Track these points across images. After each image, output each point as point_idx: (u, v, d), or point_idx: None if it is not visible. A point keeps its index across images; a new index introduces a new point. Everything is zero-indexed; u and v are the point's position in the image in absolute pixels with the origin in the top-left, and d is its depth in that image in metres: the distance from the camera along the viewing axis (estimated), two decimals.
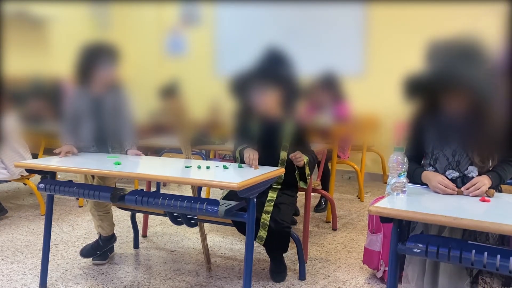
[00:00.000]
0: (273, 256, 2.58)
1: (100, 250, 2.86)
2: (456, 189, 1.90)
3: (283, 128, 2.57)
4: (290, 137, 2.57)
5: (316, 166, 3.91)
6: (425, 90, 1.91)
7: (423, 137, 2.05)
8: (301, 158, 2.53)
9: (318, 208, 4.00)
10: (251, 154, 2.37)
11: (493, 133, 1.90)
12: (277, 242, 2.44)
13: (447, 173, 2.00)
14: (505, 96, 1.84)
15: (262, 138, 2.55)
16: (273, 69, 2.43)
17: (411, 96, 1.96)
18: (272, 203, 2.49)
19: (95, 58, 2.52)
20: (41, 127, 3.32)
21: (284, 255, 2.62)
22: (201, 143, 3.22)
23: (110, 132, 2.66)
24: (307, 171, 2.58)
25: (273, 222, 2.42)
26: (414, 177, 2.02)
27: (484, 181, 1.87)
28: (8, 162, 3.61)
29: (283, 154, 2.55)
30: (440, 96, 1.91)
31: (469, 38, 1.80)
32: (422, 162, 2.10)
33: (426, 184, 2.03)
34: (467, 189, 1.88)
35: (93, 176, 2.70)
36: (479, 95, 1.83)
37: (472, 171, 1.97)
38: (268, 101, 2.50)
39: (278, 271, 2.58)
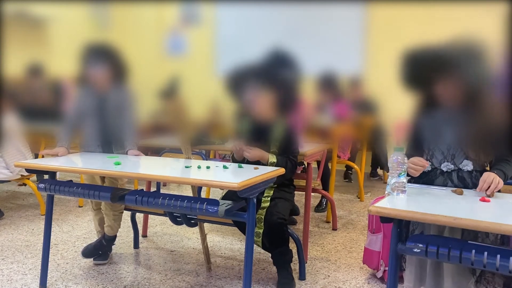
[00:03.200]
0: (279, 267, 2.53)
1: (103, 250, 2.86)
2: (427, 162, 1.95)
3: (273, 132, 2.55)
4: (279, 142, 2.54)
5: (317, 166, 3.91)
6: (424, 67, 1.92)
7: (421, 135, 2.06)
8: (247, 151, 2.40)
9: (319, 208, 4.01)
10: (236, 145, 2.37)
11: (487, 128, 1.91)
12: (272, 235, 2.42)
13: (442, 165, 2.03)
14: (500, 93, 1.86)
15: (252, 140, 2.54)
16: (271, 71, 2.41)
17: (410, 78, 1.97)
18: (269, 198, 2.49)
19: (87, 58, 2.54)
20: (41, 127, 3.33)
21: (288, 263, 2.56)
22: (201, 143, 3.22)
23: (113, 132, 2.67)
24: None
25: (268, 215, 2.41)
26: None
27: (493, 175, 1.87)
28: (10, 161, 3.62)
29: (272, 158, 2.52)
30: (436, 80, 1.92)
31: (468, 39, 1.82)
32: None
33: (425, 183, 2.03)
34: (482, 189, 1.87)
35: (102, 178, 2.71)
36: (473, 83, 1.85)
37: (467, 164, 2.00)
38: (261, 103, 2.49)
39: (284, 281, 2.50)
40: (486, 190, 1.84)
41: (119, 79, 2.61)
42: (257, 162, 2.48)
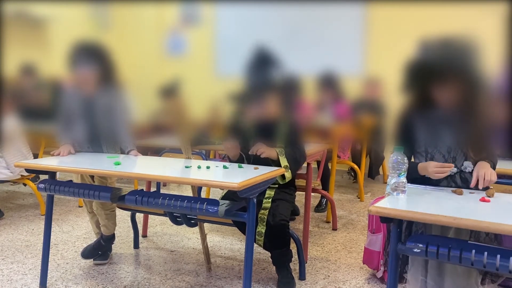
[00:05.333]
0: (279, 266, 2.54)
1: (102, 250, 2.86)
2: (452, 164, 1.95)
3: (278, 129, 2.55)
4: (285, 138, 2.55)
5: (317, 166, 3.91)
6: (420, 75, 1.93)
7: (414, 135, 2.06)
8: (262, 150, 2.44)
9: (319, 208, 4.00)
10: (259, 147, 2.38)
11: (485, 127, 1.92)
12: (274, 237, 2.42)
13: None
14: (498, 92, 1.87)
15: (258, 139, 2.54)
16: (268, 75, 2.43)
17: (407, 85, 1.97)
18: (270, 200, 2.49)
19: (75, 57, 2.51)
20: (41, 127, 3.33)
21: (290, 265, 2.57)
22: (201, 143, 3.22)
23: (103, 133, 2.66)
24: (284, 162, 2.49)
25: (271, 217, 2.41)
26: (410, 172, 2.02)
27: (486, 166, 1.91)
28: (11, 161, 3.62)
29: (283, 162, 2.52)
30: (433, 86, 1.92)
31: (465, 35, 1.82)
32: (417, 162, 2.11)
33: (425, 183, 2.03)
34: (477, 185, 1.91)
35: (91, 177, 2.70)
36: (471, 85, 1.86)
37: (468, 165, 2.01)
38: (268, 106, 2.50)
39: (284, 281, 2.51)
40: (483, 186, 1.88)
41: (108, 80, 2.58)
42: (262, 164, 2.48)
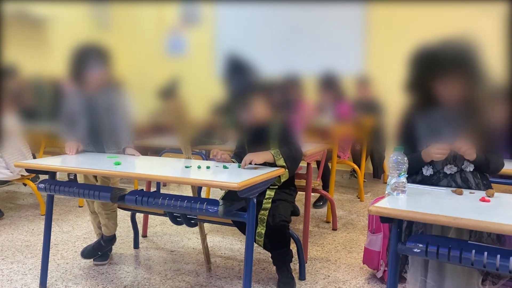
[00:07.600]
0: (279, 266, 2.54)
1: (102, 251, 2.85)
2: (449, 146, 1.96)
3: (270, 131, 2.54)
4: (278, 139, 2.53)
5: (316, 166, 3.91)
6: (425, 67, 1.93)
7: (415, 135, 2.06)
8: (252, 159, 2.33)
9: (317, 203, 4.01)
10: (247, 159, 2.36)
11: (488, 125, 1.92)
12: (274, 237, 2.42)
13: (445, 168, 2.03)
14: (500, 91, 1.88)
15: (251, 144, 2.54)
16: (245, 81, 2.43)
17: (411, 81, 1.98)
18: (270, 200, 2.48)
19: (85, 59, 2.52)
20: (41, 127, 3.33)
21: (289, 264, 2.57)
22: (201, 143, 3.22)
23: (104, 132, 2.66)
24: (280, 162, 2.42)
25: (271, 217, 2.41)
26: (415, 162, 2.02)
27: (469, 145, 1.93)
28: (10, 161, 3.62)
29: (280, 162, 2.50)
30: (437, 80, 1.92)
31: (465, 37, 1.83)
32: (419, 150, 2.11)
33: (425, 183, 2.03)
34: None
35: (95, 177, 2.71)
36: (475, 79, 1.86)
37: (469, 165, 2.01)
38: (257, 110, 2.50)
39: (285, 281, 2.52)
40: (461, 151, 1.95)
41: (111, 80, 2.59)
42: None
